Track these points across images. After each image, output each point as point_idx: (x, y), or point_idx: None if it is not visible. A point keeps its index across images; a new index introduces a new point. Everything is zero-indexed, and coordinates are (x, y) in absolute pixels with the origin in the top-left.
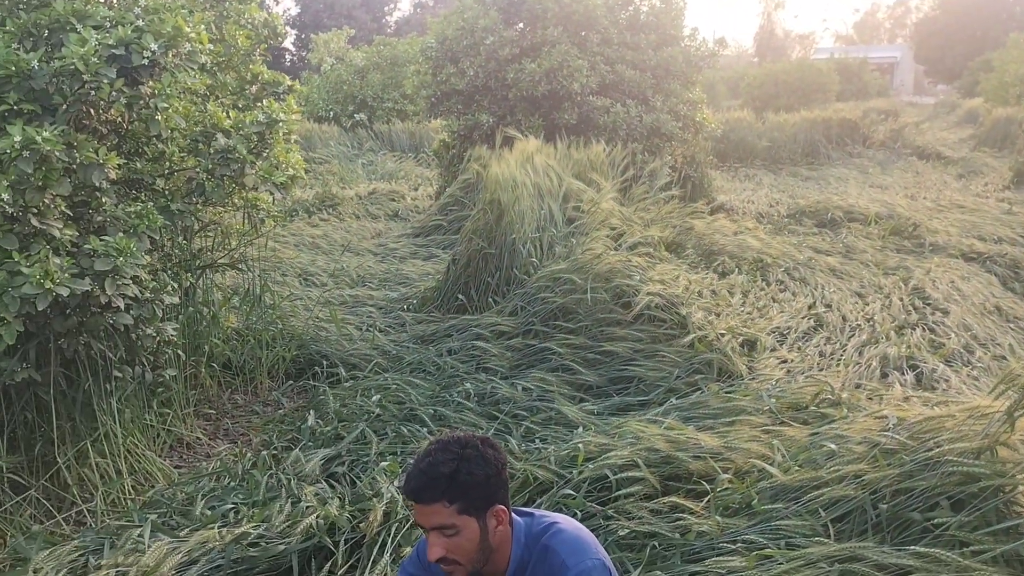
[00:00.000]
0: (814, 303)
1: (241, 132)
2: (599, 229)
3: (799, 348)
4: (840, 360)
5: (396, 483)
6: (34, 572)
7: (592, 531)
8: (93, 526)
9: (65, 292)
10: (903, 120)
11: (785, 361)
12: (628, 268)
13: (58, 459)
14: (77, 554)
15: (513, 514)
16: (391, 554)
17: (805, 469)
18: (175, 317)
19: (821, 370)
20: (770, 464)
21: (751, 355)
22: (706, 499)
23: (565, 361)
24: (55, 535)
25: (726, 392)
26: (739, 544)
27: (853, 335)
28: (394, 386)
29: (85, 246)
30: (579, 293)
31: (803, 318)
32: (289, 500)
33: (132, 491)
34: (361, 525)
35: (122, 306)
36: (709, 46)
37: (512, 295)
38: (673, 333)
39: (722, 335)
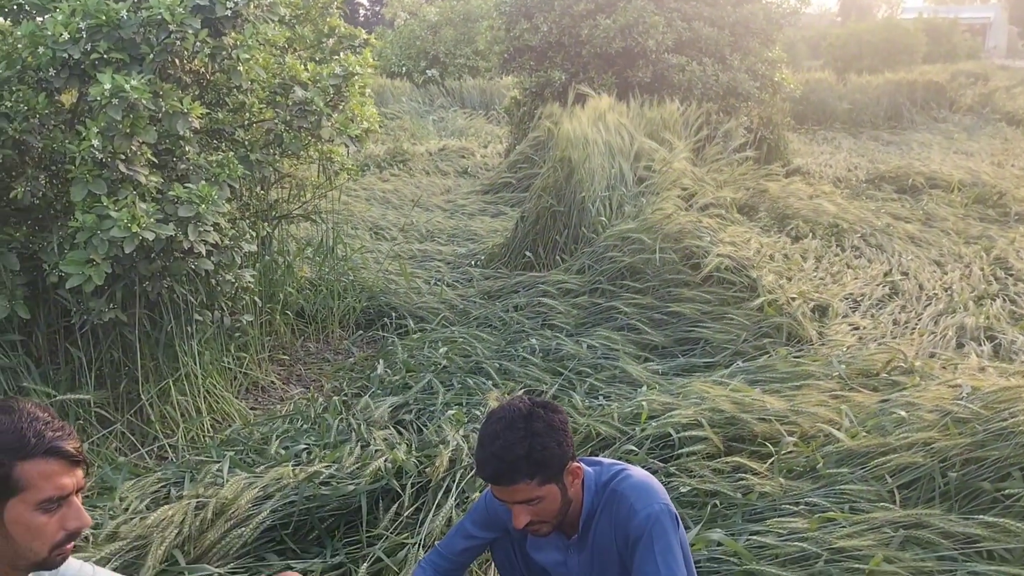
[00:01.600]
0: (890, 270)
1: (318, 85)
2: (670, 189)
3: (872, 316)
4: (915, 329)
5: (461, 432)
6: (120, 500)
7: None
8: (174, 460)
9: (150, 236)
10: (993, 84)
11: (857, 328)
12: (698, 229)
13: (142, 396)
14: (159, 485)
15: (583, 464)
16: (456, 499)
17: (873, 435)
18: (252, 265)
19: (895, 338)
20: (837, 429)
21: (822, 321)
22: (770, 461)
23: (631, 320)
24: (139, 467)
25: (795, 357)
26: (801, 506)
27: (930, 304)
28: (461, 339)
29: (169, 193)
30: (647, 253)
31: (878, 285)
32: (359, 444)
33: (211, 429)
34: (427, 470)
35: (203, 252)
36: (791, 3)
37: (580, 253)
38: (742, 296)
39: (793, 299)
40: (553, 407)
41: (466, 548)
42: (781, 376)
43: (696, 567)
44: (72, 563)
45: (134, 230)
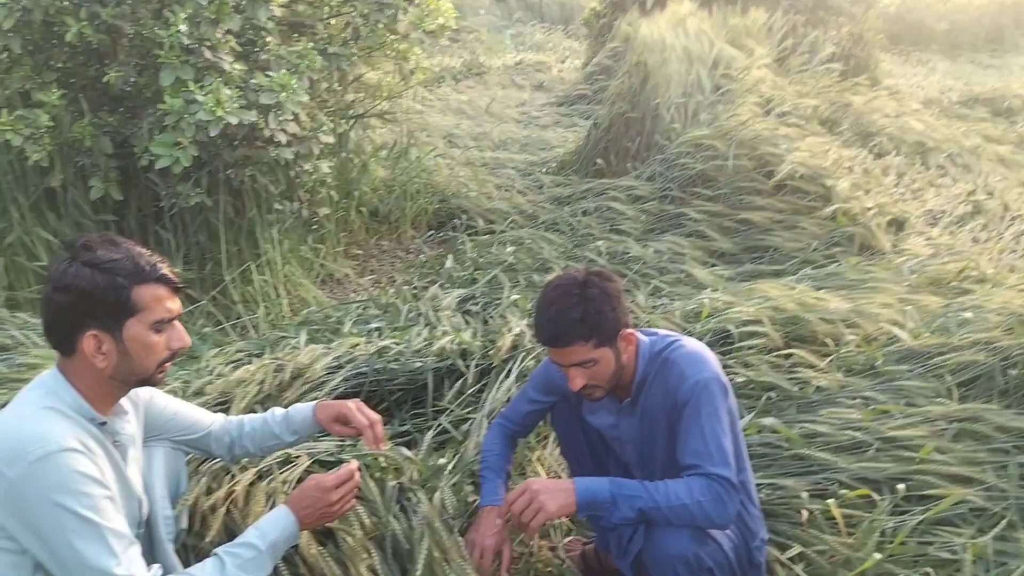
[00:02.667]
0: (975, 190)
1: None
2: (747, 96)
3: (952, 232)
4: (995, 247)
5: (526, 321)
6: (205, 364)
7: None
8: (255, 336)
9: (234, 120)
10: None
11: (933, 242)
12: (774, 137)
13: (225, 278)
14: (241, 354)
15: (639, 333)
16: (517, 379)
17: (936, 335)
18: (329, 159)
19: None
20: (900, 329)
21: (897, 235)
22: (829, 358)
23: (700, 227)
24: (222, 340)
25: (864, 266)
26: (857, 400)
27: (1012, 224)
28: (528, 240)
29: (252, 81)
30: (720, 160)
31: (960, 203)
32: (427, 327)
33: (288, 311)
34: (490, 352)
35: (283, 141)
36: None
37: (651, 160)
38: (815, 206)
39: (868, 209)
40: (608, 276)
41: (529, 412)
42: (849, 283)
43: (747, 448)
44: (146, 389)
45: (219, 114)
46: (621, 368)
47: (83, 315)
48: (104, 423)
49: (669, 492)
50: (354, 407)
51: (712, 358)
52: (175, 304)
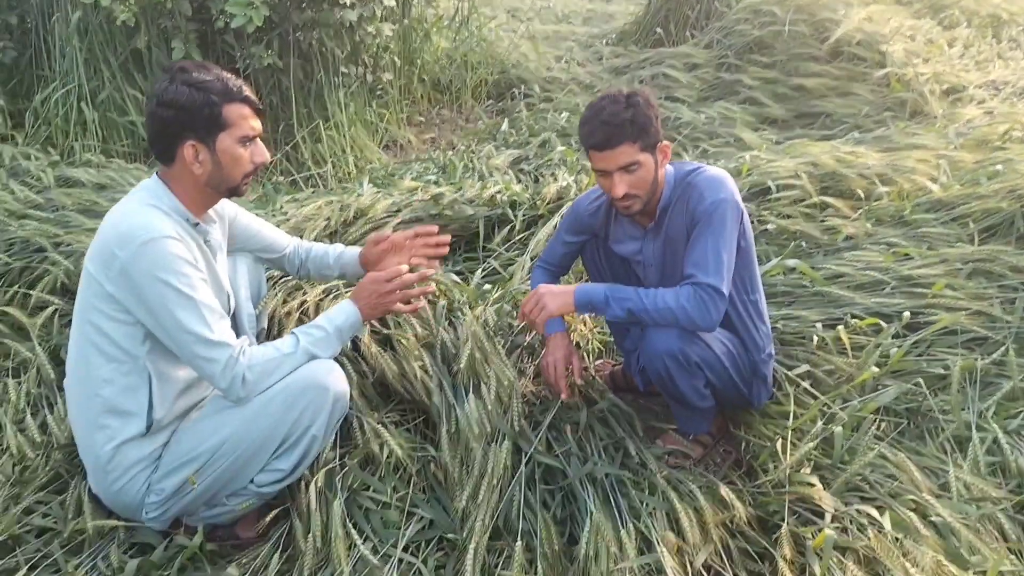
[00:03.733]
0: None
1: None
2: None
3: (1012, 103)
4: None
5: (572, 176)
6: (279, 206)
7: None
8: (323, 187)
9: None
10: None
11: (990, 112)
12: (834, 2)
13: (296, 136)
14: (312, 201)
15: (668, 165)
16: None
17: (966, 187)
18: (392, 22)
19: None
20: (933, 183)
21: (953, 103)
22: (861, 210)
23: (753, 93)
24: (293, 189)
25: (912, 131)
26: (882, 246)
27: None
28: (583, 108)
29: None
30: (778, 26)
31: None
32: (480, 180)
33: (354, 168)
34: (537, 202)
35: (347, 2)
36: None
37: (710, 28)
38: (870, 72)
39: (922, 75)
40: (647, 95)
41: (564, 253)
42: (895, 146)
43: (771, 288)
44: (231, 205)
45: None
46: (656, 181)
47: (182, 127)
48: (197, 224)
49: (657, 297)
50: (389, 234)
51: (731, 183)
52: (257, 123)
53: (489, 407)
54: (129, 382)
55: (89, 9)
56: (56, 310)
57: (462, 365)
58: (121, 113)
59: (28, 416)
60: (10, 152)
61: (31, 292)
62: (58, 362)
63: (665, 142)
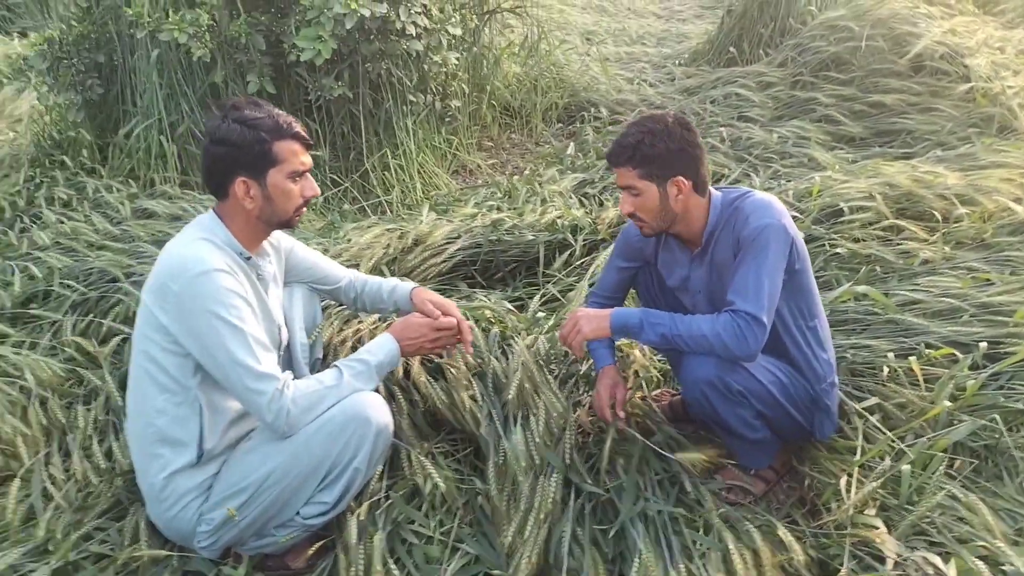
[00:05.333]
0: None
1: None
2: None
3: None
4: None
5: None
6: (343, 234)
7: (814, 250)
8: (390, 214)
9: (367, 13)
10: None
11: None
12: (914, 15)
13: (365, 164)
14: (377, 227)
15: (715, 189)
16: None
17: None
18: (459, 51)
19: None
20: (1017, 203)
21: None
22: (938, 233)
23: (829, 111)
24: (360, 216)
25: (998, 148)
26: (960, 271)
27: None
28: None
29: None
30: (855, 41)
31: None
32: (542, 205)
33: (421, 194)
34: (598, 227)
35: (414, 33)
36: None
37: (784, 46)
38: (954, 87)
39: (1010, 88)
40: (686, 125)
41: (618, 280)
42: (979, 164)
43: (840, 315)
44: (288, 239)
45: (353, 7)
46: (669, 212)
47: (234, 163)
48: (249, 258)
49: (692, 323)
50: (455, 307)
51: (779, 207)
52: (307, 159)
53: (538, 439)
54: (181, 412)
55: (168, 46)
56: (126, 339)
57: (511, 396)
58: (199, 145)
59: (95, 443)
60: (93, 185)
61: (104, 321)
62: (126, 390)
63: (680, 178)
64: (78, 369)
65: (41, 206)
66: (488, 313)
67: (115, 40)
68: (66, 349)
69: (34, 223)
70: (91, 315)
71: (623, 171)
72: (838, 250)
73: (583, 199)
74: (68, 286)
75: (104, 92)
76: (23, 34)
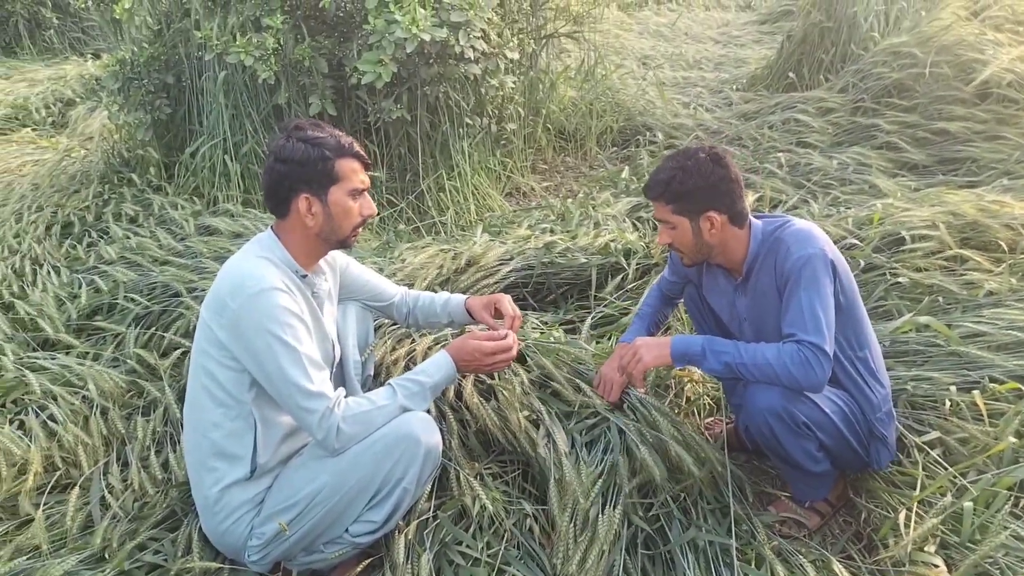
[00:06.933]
0: None
1: None
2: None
3: None
4: None
5: None
6: (398, 254)
7: (873, 279)
8: (444, 234)
9: (427, 37)
10: None
11: None
12: (980, 42)
13: (421, 185)
14: (431, 248)
15: (755, 218)
16: None
17: None
18: (516, 75)
19: None
20: None
21: None
22: (1004, 264)
23: (891, 138)
24: (415, 236)
25: None
26: None
27: None
28: None
29: (444, 0)
30: (919, 68)
31: None
32: (595, 228)
33: (475, 216)
34: (651, 251)
35: (472, 57)
36: None
37: (844, 72)
38: (1022, 115)
39: None
40: (719, 159)
41: (664, 294)
42: None
43: (901, 346)
44: (343, 256)
45: (414, 32)
46: (705, 245)
47: (297, 181)
48: (305, 276)
49: (757, 352)
50: (506, 299)
51: (820, 235)
52: (366, 178)
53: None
54: (236, 427)
55: (235, 68)
56: (186, 352)
57: (571, 425)
58: (261, 165)
59: (152, 454)
60: (159, 202)
61: (166, 334)
62: (184, 403)
63: (712, 213)
64: (139, 381)
65: (109, 221)
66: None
67: (184, 62)
68: (128, 361)
69: (101, 238)
70: (153, 328)
71: (658, 205)
72: (899, 279)
73: (636, 223)
74: (132, 299)
75: (172, 112)
76: (96, 55)
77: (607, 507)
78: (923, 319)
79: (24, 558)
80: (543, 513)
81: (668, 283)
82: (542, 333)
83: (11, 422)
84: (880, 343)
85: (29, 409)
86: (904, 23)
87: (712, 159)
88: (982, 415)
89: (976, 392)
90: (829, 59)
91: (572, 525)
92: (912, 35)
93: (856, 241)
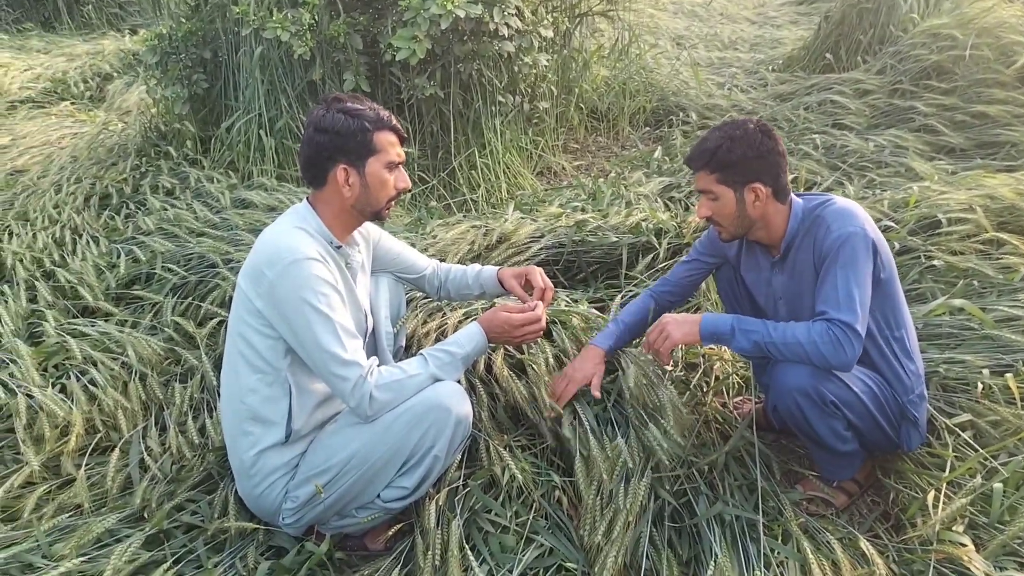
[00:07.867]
0: None
1: None
2: None
3: None
4: None
5: None
6: (429, 230)
7: (909, 261)
8: (475, 212)
9: (462, 14)
10: None
11: None
12: (1023, 24)
13: (452, 162)
14: (463, 224)
15: (796, 196)
16: None
17: None
18: (549, 53)
19: None
20: None
21: None
22: None
23: (929, 121)
24: (446, 213)
25: None
26: None
27: None
28: None
29: None
30: (959, 50)
31: None
32: (627, 207)
33: (506, 193)
34: (683, 231)
35: (506, 34)
36: None
37: (883, 53)
38: None
39: None
40: (768, 132)
41: (688, 272)
42: None
43: (934, 329)
44: (376, 229)
45: (449, 8)
46: (747, 218)
47: (336, 151)
48: (340, 247)
49: (787, 331)
50: (537, 271)
51: (861, 214)
52: (402, 152)
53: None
54: (271, 392)
55: (271, 44)
56: (222, 322)
57: (596, 395)
58: (295, 140)
59: (189, 419)
60: (196, 175)
61: (202, 304)
62: (220, 370)
63: (758, 184)
64: (176, 348)
65: (146, 193)
66: (575, 320)
67: (220, 37)
68: (166, 329)
69: (139, 209)
70: (190, 298)
71: (701, 175)
72: (934, 262)
73: (668, 203)
74: (170, 270)
75: (208, 87)
76: (133, 31)
77: (632, 480)
78: (958, 302)
79: (66, 515)
80: (570, 485)
81: (683, 271)
82: (567, 308)
83: (53, 385)
84: (914, 325)
85: (70, 373)
86: (944, 4)
87: (761, 130)
88: (1014, 398)
89: (1009, 375)
90: (867, 40)
91: (599, 497)
92: (953, 17)
93: (892, 223)
